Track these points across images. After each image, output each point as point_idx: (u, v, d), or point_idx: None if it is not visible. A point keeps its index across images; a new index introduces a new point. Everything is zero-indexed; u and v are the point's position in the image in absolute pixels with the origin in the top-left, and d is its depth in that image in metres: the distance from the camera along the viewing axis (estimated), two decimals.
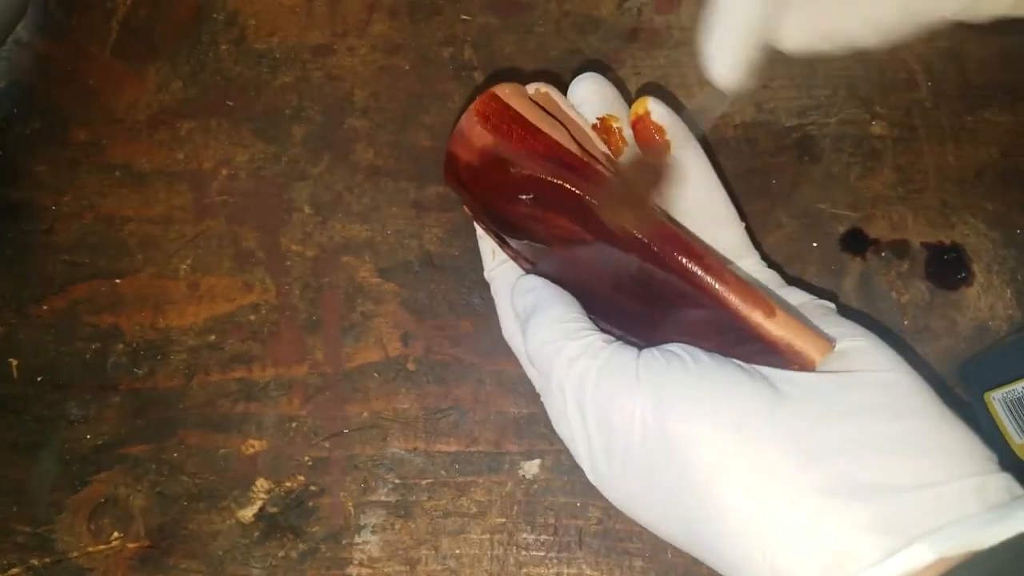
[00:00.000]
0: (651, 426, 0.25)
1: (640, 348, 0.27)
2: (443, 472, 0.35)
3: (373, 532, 0.35)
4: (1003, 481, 0.23)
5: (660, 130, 0.30)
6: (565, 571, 0.34)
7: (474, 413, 0.36)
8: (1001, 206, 0.37)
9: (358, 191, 0.39)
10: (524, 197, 0.30)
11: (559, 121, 0.31)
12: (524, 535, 0.34)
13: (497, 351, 0.36)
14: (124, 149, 0.40)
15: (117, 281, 0.38)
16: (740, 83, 0.27)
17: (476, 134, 0.31)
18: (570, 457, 0.35)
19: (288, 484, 0.35)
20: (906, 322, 0.36)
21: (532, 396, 0.36)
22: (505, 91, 0.31)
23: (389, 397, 0.36)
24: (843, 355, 0.26)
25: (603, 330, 0.28)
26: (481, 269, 0.37)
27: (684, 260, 0.27)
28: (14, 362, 0.37)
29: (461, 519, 0.35)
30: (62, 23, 0.41)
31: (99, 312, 0.37)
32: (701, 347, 0.27)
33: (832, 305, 0.30)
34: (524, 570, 0.34)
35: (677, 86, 0.39)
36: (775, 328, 0.26)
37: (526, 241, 0.31)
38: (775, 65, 0.40)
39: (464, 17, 0.41)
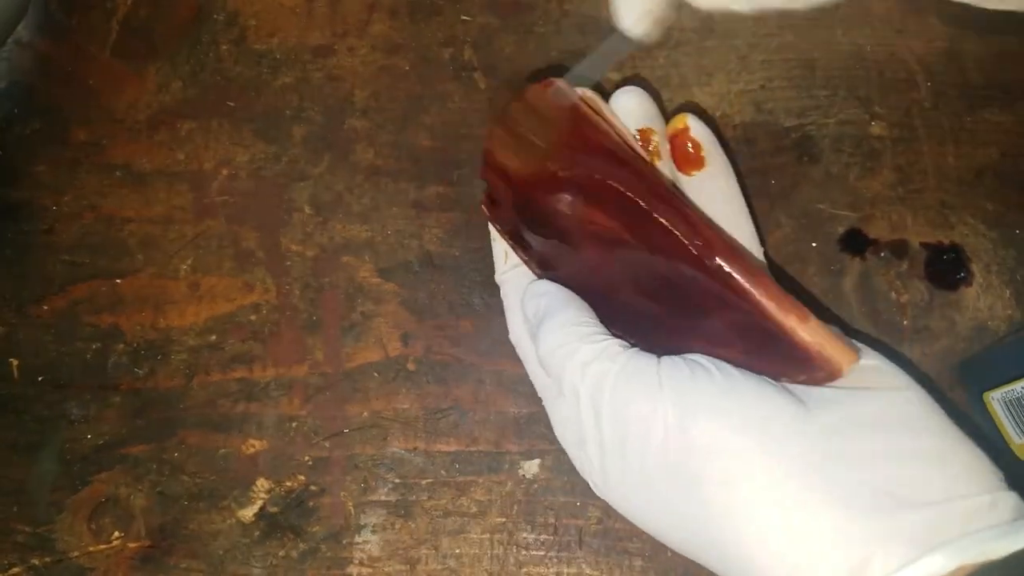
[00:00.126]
0: (673, 434, 0.25)
1: (658, 356, 0.27)
2: (443, 472, 0.35)
3: (373, 532, 0.35)
4: (1012, 499, 0.24)
5: (697, 146, 0.31)
6: (565, 571, 0.34)
7: (474, 413, 0.36)
8: (1000, 206, 0.37)
9: (358, 191, 0.39)
10: (568, 188, 0.30)
11: (606, 121, 0.31)
12: (524, 535, 0.34)
13: (497, 351, 0.36)
14: (124, 149, 0.40)
15: (117, 281, 0.38)
16: (647, 33, 0.28)
17: (527, 119, 0.31)
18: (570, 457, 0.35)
19: (288, 484, 0.35)
20: (905, 322, 0.36)
21: (532, 396, 0.36)
22: (559, 83, 0.31)
23: (389, 397, 0.36)
24: (859, 372, 0.27)
25: (616, 336, 0.28)
26: (481, 269, 0.37)
27: (724, 263, 0.27)
28: (14, 362, 0.37)
29: (461, 519, 0.35)
30: (62, 23, 0.41)
31: (99, 312, 0.37)
32: (720, 354, 0.27)
33: (838, 329, 0.30)
34: (524, 570, 0.34)
35: (677, 86, 0.40)
36: (808, 334, 0.26)
37: (551, 240, 0.31)
38: (775, 65, 0.40)
39: (464, 17, 0.41)
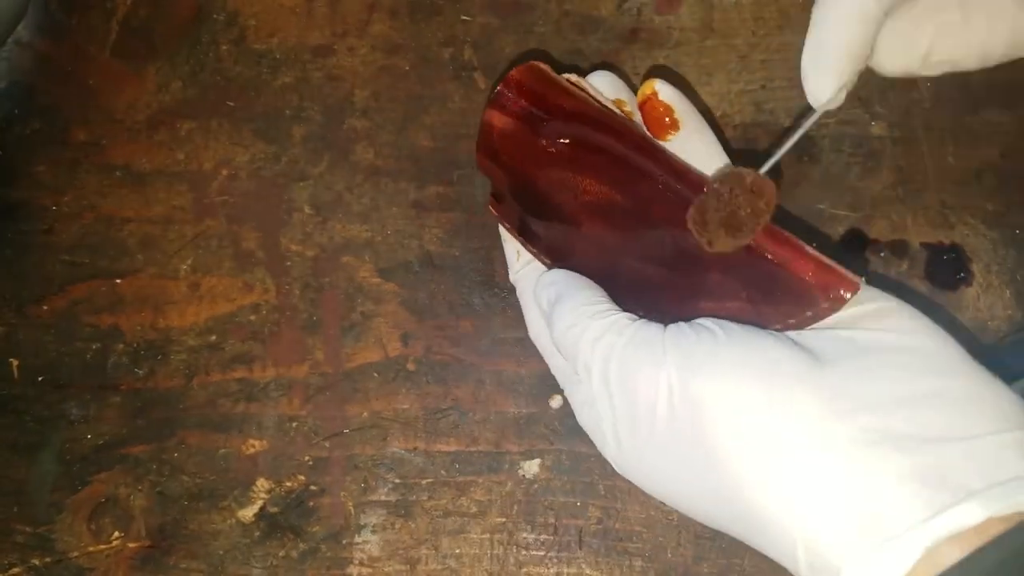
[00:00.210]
0: (677, 390, 0.25)
1: (666, 325, 0.27)
2: (443, 472, 0.35)
3: (373, 532, 0.35)
4: None
5: (668, 109, 0.31)
6: (565, 571, 0.34)
7: (474, 413, 0.36)
8: (1000, 206, 0.37)
9: (358, 191, 0.39)
10: (559, 161, 0.31)
11: (588, 94, 0.32)
12: (524, 535, 0.34)
13: (497, 351, 0.36)
14: (124, 149, 0.40)
15: (117, 281, 0.38)
16: (832, 102, 0.28)
17: (513, 100, 0.32)
18: (570, 457, 0.35)
19: (288, 484, 0.35)
20: None
21: (532, 396, 0.36)
22: (540, 65, 0.32)
23: (389, 397, 0.36)
24: (875, 315, 0.26)
25: (628, 311, 0.29)
26: (481, 269, 0.37)
27: None
28: (14, 362, 0.37)
29: (461, 519, 0.35)
30: (62, 24, 0.41)
31: (99, 312, 0.37)
32: (729, 308, 0.27)
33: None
34: (524, 569, 0.34)
35: (677, 86, 0.39)
36: (806, 262, 0.26)
37: (553, 223, 0.31)
38: (775, 65, 0.40)
39: (464, 17, 0.41)
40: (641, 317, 0.28)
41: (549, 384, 0.36)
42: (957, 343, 0.25)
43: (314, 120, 0.40)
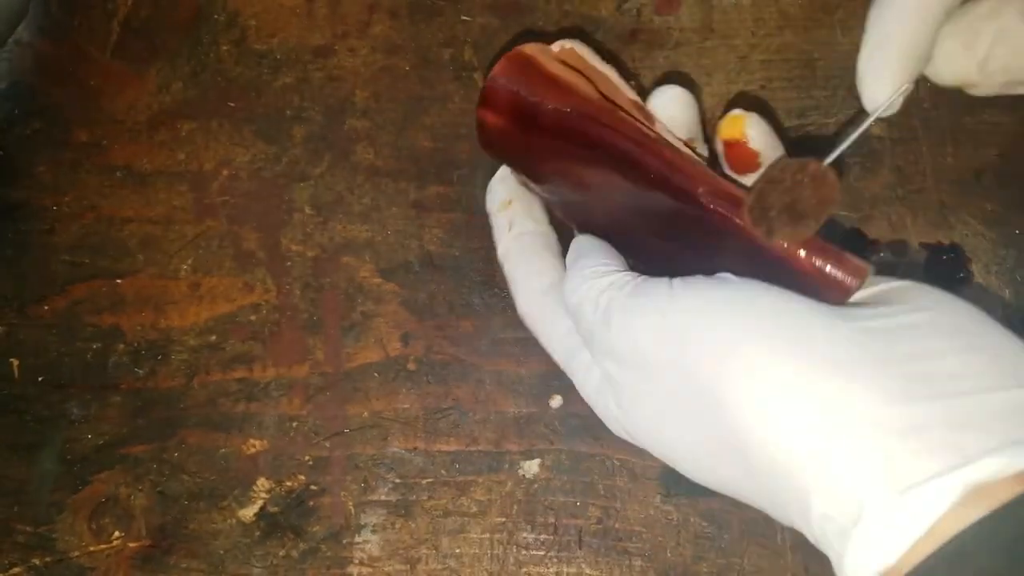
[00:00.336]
0: (689, 339, 0.24)
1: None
2: (443, 471, 0.35)
3: (373, 531, 0.35)
4: None
5: (754, 155, 0.29)
6: (565, 570, 0.34)
7: (474, 413, 0.36)
8: (1000, 206, 0.37)
9: (358, 192, 0.39)
10: (551, 153, 0.30)
11: (585, 76, 0.31)
12: (524, 534, 0.34)
13: (497, 351, 0.37)
14: (125, 150, 0.40)
15: (118, 281, 0.38)
16: (889, 108, 0.27)
17: (499, 96, 0.31)
18: (570, 457, 0.35)
19: (289, 484, 0.35)
20: None
21: (532, 396, 0.36)
22: (527, 50, 0.31)
23: (389, 397, 0.36)
24: (899, 291, 0.25)
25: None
26: (481, 269, 0.37)
27: (707, 196, 0.26)
28: (15, 362, 0.37)
29: (461, 518, 0.35)
30: (63, 24, 0.42)
31: (100, 312, 0.38)
32: None
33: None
34: (524, 569, 0.34)
35: (686, 87, 0.40)
36: (808, 255, 0.25)
37: (569, 201, 0.31)
38: (775, 65, 0.40)
39: (464, 18, 0.41)
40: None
41: (549, 384, 0.36)
42: (979, 309, 0.24)
43: (315, 120, 0.40)
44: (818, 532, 0.22)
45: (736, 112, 0.29)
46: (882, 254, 0.37)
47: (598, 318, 0.27)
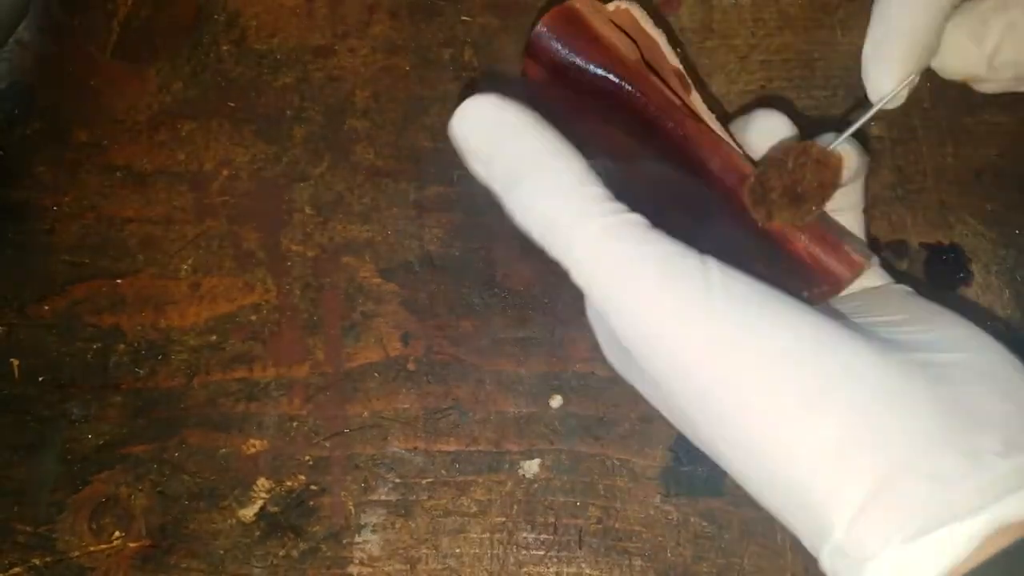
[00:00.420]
0: (724, 352, 0.23)
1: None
2: (443, 471, 0.35)
3: (373, 531, 0.35)
4: None
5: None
6: (565, 570, 0.34)
7: (474, 413, 0.36)
8: (999, 206, 0.37)
9: (359, 192, 0.39)
10: (587, 113, 0.30)
11: (631, 37, 0.30)
12: (524, 534, 0.34)
13: (497, 351, 0.37)
14: (125, 150, 0.40)
15: (118, 281, 0.38)
16: (893, 100, 0.27)
17: (543, 50, 0.30)
18: (570, 457, 0.35)
19: (289, 483, 0.35)
20: None
21: (532, 396, 0.36)
22: (577, 4, 0.30)
23: (389, 397, 0.36)
24: (909, 308, 0.25)
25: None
26: (481, 269, 0.37)
27: (717, 165, 0.26)
28: (15, 362, 0.37)
29: (461, 518, 0.35)
30: (63, 24, 0.42)
31: (100, 312, 0.38)
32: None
33: (910, 289, 0.29)
34: (524, 569, 0.34)
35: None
36: (802, 238, 0.25)
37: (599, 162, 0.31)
38: (775, 65, 0.40)
39: (464, 18, 0.41)
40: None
41: (549, 384, 0.36)
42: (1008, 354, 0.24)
43: (315, 120, 0.40)
44: (827, 563, 0.23)
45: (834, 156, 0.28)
46: (882, 254, 0.37)
47: (600, 270, 0.24)
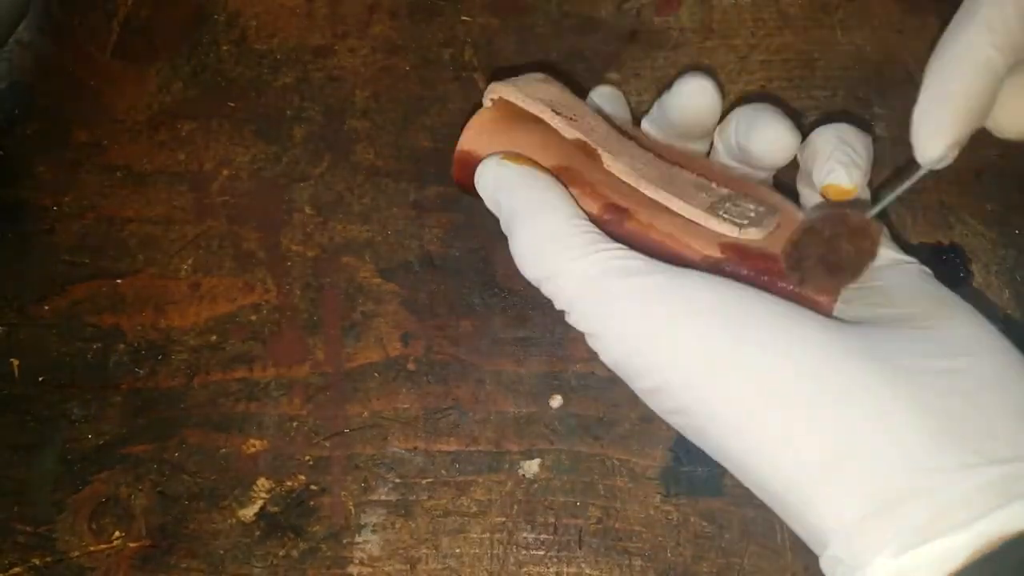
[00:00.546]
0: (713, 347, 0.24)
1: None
2: (443, 471, 0.35)
3: (373, 531, 0.35)
4: None
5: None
6: (565, 570, 0.34)
7: (474, 413, 0.36)
8: (999, 206, 0.37)
9: (359, 192, 0.39)
10: None
11: (523, 128, 0.30)
12: (524, 534, 0.34)
13: (497, 351, 0.37)
14: (125, 150, 0.40)
15: (118, 281, 0.38)
16: (942, 161, 0.26)
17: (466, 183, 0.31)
18: (570, 457, 0.35)
19: (289, 483, 0.35)
20: None
21: (532, 396, 0.36)
22: (465, 147, 0.31)
23: (389, 397, 0.36)
24: (919, 299, 0.25)
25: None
26: (481, 270, 0.37)
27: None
28: (15, 362, 0.37)
29: (461, 518, 0.35)
30: (63, 24, 0.42)
31: (100, 312, 0.38)
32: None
33: (928, 271, 0.29)
34: (524, 569, 0.34)
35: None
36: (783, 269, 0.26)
37: None
38: (775, 65, 0.40)
39: (464, 18, 0.41)
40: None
41: (549, 384, 0.36)
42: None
43: (315, 120, 0.40)
44: (826, 568, 0.23)
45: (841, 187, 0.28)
46: None
47: (600, 310, 0.25)
